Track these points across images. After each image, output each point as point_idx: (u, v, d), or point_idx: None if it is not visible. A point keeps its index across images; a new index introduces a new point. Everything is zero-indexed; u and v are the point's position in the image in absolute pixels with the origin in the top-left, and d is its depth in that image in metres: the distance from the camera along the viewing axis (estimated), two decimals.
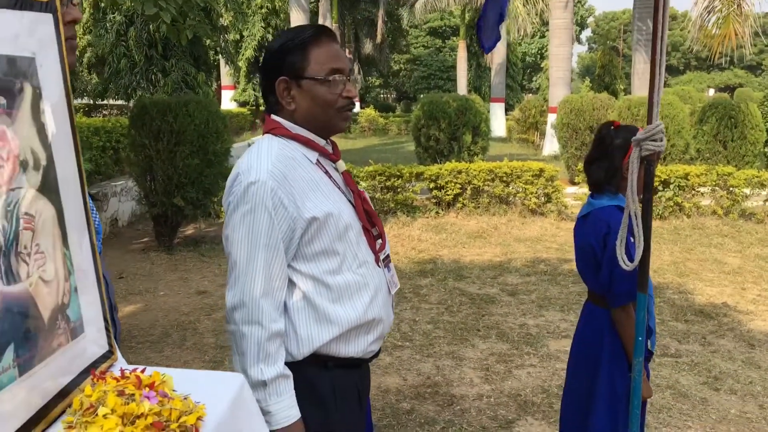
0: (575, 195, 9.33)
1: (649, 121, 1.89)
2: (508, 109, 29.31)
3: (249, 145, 3.11)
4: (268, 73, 1.86)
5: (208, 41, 13.47)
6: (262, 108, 21.61)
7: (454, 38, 46.65)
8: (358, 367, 1.97)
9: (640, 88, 11.79)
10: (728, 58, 12.23)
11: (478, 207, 8.94)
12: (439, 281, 6.28)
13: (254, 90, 24.47)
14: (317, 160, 1.87)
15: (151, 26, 10.80)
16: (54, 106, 1.00)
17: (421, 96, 13.77)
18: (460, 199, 8.90)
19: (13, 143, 0.88)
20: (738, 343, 4.85)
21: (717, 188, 9.00)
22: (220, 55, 17.91)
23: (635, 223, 1.88)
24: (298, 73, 1.81)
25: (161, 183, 7.23)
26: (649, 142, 1.85)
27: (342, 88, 1.83)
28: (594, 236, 2.33)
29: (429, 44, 49.01)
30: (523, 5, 13.09)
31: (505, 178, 8.83)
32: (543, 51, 49.48)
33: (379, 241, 1.96)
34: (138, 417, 0.90)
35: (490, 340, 4.85)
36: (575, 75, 23.17)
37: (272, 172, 1.74)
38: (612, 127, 2.46)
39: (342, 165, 1.96)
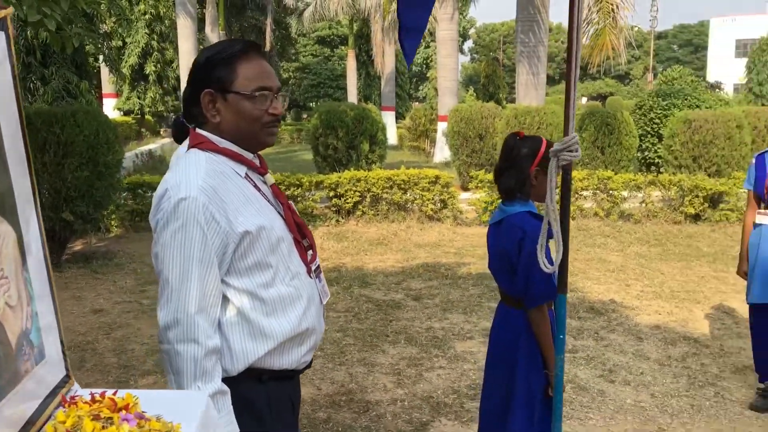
0: (469, 201, 9.64)
1: (566, 133, 2.02)
2: (398, 117, 29.82)
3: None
4: (194, 85, 1.84)
5: (89, 48, 12.90)
6: (148, 117, 20.72)
7: (343, 47, 46.96)
8: (291, 378, 1.98)
9: (524, 98, 12.35)
10: (600, 69, 13.01)
11: (378, 214, 9.07)
12: (344, 289, 6.32)
13: (139, 98, 23.59)
14: (246, 174, 1.87)
15: (28, 32, 10.21)
16: (8, 124, 0.97)
17: (314, 105, 13.77)
18: (360, 206, 8.99)
19: None
20: (627, 336, 5.19)
21: (598, 191, 9.56)
22: (101, 63, 17.17)
23: (554, 228, 2.01)
24: (225, 87, 1.80)
25: (48, 197, 6.85)
26: (566, 152, 1.99)
27: (269, 105, 1.84)
28: (509, 242, 2.45)
29: (318, 53, 49.06)
30: None
31: (402, 186, 9.02)
32: (428, 61, 50.73)
33: (310, 252, 1.98)
34: None
35: (400, 345, 4.95)
36: (459, 84, 23.88)
37: (203, 187, 1.72)
38: (518, 138, 2.60)
39: (270, 178, 1.96)
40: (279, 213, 1.91)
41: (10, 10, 1.00)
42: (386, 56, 25.77)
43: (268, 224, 1.82)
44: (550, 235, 2.07)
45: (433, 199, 9.15)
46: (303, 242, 1.94)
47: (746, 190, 4.21)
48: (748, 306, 4.15)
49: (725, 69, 49.06)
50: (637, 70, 63.09)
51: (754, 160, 4.09)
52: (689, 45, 71.13)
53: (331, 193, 8.94)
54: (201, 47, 25.61)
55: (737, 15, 52.73)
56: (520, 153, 2.52)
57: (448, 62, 17.42)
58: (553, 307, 2.40)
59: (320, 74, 42.36)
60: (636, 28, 68.10)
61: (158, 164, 15.41)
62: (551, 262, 2.05)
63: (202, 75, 1.82)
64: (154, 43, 23.12)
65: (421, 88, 49.12)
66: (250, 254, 1.78)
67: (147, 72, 23.16)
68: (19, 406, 0.89)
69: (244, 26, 32.76)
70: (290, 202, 2.02)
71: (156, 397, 1.08)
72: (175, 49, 21.68)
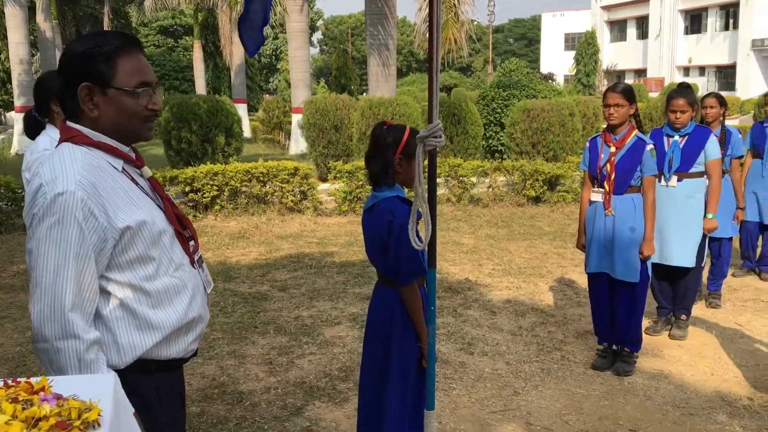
0: (328, 191, 9.78)
1: (430, 121, 2.19)
2: (251, 109, 29.38)
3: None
4: (69, 78, 1.82)
5: None
6: None
7: (188, 38, 45.42)
8: (178, 368, 2.02)
9: (376, 89, 12.66)
10: (444, 61, 13.59)
11: (237, 208, 8.99)
12: None
13: None
14: (123, 167, 1.87)
15: None
16: None
17: (163, 97, 13.32)
18: (218, 201, 8.86)
19: None
20: (483, 312, 5.56)
21: (449, 178, 10.05)
22: None
23: (422, 209, 2.17)
24: (106, 82, 1.80)
25: None
26: (431, 138, 2.16)
27: (148, 100, 1.86)
28: (380, 225, 2.60)
29: (161, 43, 47.13)
30: None
31: (261, 178, 8.98)
32: (278, 52, 50.27)
33: (192, 243, 2.02)
34: (40, 419, 0.92)
35: (269, 335, 5.00)
36: (311, 76, 23.98)
37: (80, 182, 1.71)
38: (384, 127, 2.75)
39: (147, 171, 1.98)
40: (158, 206, 1.93)
41: None
42: (235, 47, 25.28)
43: (149, 218, 1.84)
44: (419, 216, 2.24)
45: (292, 190, 9.20)
46: (184, 233, 1.98)
47: (582, 171, 4.65)
48: (586, 276, 4.61)
49: (556, 61, 52.73)
50: (477, 63, 66.18)
51: (588, 144, 4.53)
52: (524, 38, 75.69)
53: (187, 188, 8.73)
54: (33, 38, 23.78)
55: (565, 10, 56.71)
56: (386, 141, 2.67)
57: (299, 54, 17.43)
58: (425, 284, 2.58)
59: (164, 66, 40.69)
60: (476, 23, 71.46)
61: None
62: (421, 241, 2.22)
63: (79, 68, 1.79)
64: None
65: (271, 79, 48.65)
66: (132, 248, 1.80)
67: None
68: None
69: (78, 15, 30.85)
70: (169, 195, 2.04)
71: (66, 382, 1.10)
72: (3, 40, 20.02)
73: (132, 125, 1.86)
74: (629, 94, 4.27)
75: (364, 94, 20.70)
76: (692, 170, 4.80)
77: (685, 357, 4.67)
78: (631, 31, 49.72)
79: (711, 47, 42.90)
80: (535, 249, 7.74)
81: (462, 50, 11.88)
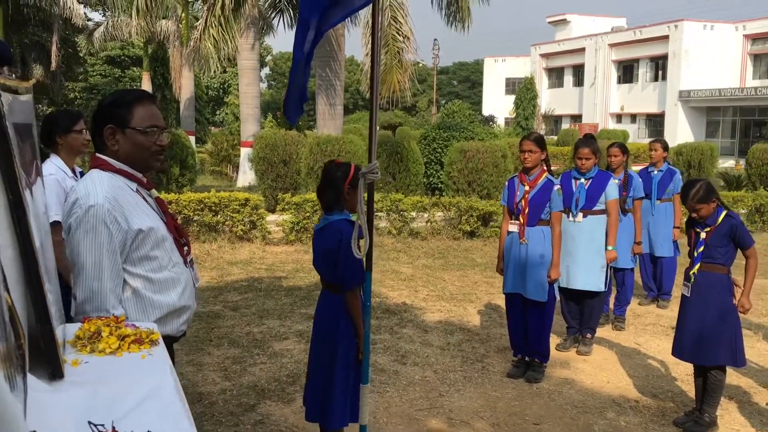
0: (276, 222, 10.34)
1: (370, 160, 2.88)
2: (198, 141, 29.70)
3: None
4: (97, 121, 2.43)
5: None
6: None
7: (135, 68, 45.47)
8: (171, 345, 2.61)
9: (323, 127, 13.36)
10: (390, 101, 14.43)
11: (190, 235, 9.46)
12: None
13: None
14: (137, 188, 2.48)
15: None
16: None
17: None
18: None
19: None
20: (416, 330, 6.22)
21: (391, 212, 10.75)
22: None
23: (364, 227, 2.84)
24: (124, 124, 2.42)
25: None
26: (370, 174, 2.84)
27: (156, 138, 2.48)
28: (331, 241, 3.24)
29: (107, 73, 47.00)
30: (213, 46, 13.88)
31: (213, 208, 9.51)
32: (226, 85, 50.74)
33: (186, 248, 2.63)
34: (126, 336, 1.53)
35: (223, 347, 5.54)
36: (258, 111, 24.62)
37: (107, 197, 2.32)
38: (334, 164, 3.42)
39: (154, 192, 2.60)
40: (162, 219, 2.54)
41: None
42: (185, 80, 25.73)
43: (155, 226, 2.45)
44: (360, 233, 2.90)
45: (243, 220, 9.74)
46: (181, 240, 2.59)
47: (502, 206, 5.41)
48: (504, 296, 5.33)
49: (497, 104, 54.76)
50: (422, 103, 67.94)
51: (507, 183, 5.29)
52: (467, 81, 78.13)
53: None
54: None
55: (507, 56, 59.07)
56: (336, 175, 3.34)
57: (249, 90, 18.06)
58: (362, 292, 3.23)
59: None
60: (421, 64, 73.42)
61: None
62: (360, 251, 2.88)
63: (105, 114, 2.41)
64: None
65: (218, 112, 48.98)
66: (142, 247, 2.40)
67: None
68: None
69: (24, 43, 30.78)
70: (171, 212, 2.66)
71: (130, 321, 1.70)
72: None
73: (143, 157, 2.48)
74: (540, 142, 5.06)
75: (313, 130, 21.38)
76: (595, 208, 5.61)
77: (587, 369, 5.41)
78: (568, 78, 52.16)
79: (642, 96, 45.41)
80: (467, 278, 8.46)
81: (406, 92, 12.70)
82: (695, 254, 4.25)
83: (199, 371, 5.00)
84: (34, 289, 1.29)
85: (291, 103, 3.00)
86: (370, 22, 11.96)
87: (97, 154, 2.46)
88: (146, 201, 2.50)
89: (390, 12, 11.92)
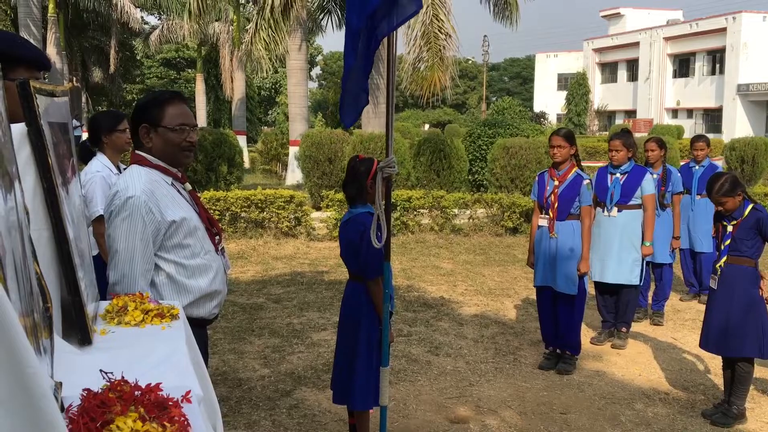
0: (320, 219, 10.60)
1: (387, 154, 3.03)
2: (249, 141, 30.36)
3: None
4: (134, 120, 2.66)
5: None
6: None
7: (190, 70, 46.69)
8: (204, 326, 2.82)
9: (367, 125, 13.58)
10: (438, 98, 14.51)
11: (236, 231, 9.80)
12: None
13: None
14: (172, 182, 2.70)
15: None
16: None
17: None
18: (220, 224, 9.66)
19: None
20: (452, 323, 6.35)
21: (433, 209, 10.88)
22: None
23: (382, 219, 3.00)
24: (157, 123, 2.63)
25: None
26: (387, 168, 3.00)
27: (186, 136, 2.70)
28: (355, 233, 3.42)
29: (163, 75, 48.37)
30: (264, 48, 14.25)
31: (260, 205, 9.81)
32: (277, 86, 51.57)
33: (217, 237, 2.84)
34: (149, 311, 1.73)
35: (264, 337, 5.78)
36: (308, 110, 25.10)
37: (144, 189, 2.54)
38: (357, 159, 3.59)
39: (188, 186, 2.81)
40: (195, 210, 2.75)
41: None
42: (236, 81, 26.34)
43: (188, 216, 2.66)
44: (379, 226, 3.06)
45: (288, 217, 10.02)
46: (212, 230, 2.80)
47: (533, 201, 5.49)
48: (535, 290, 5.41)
49: (549, 100, 54.16)
50: (472, 100, 67.67)
51: (537, 178, 5.37)
52: (518, 77, 77.37)
53: None
54: None
55: (559, 52, 58.35)
56: (359, 170, 3.51)
57: (297, 90, 18.40)
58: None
59: None
60: (470, 61, 73.18)
61: None
62: (380, 241, 3.05)
63: (141, 114, 2.63)
64: None
65: (270, 112, 49.84)
66: (176, 236, 2.61)
67: None
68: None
69: (85, 47, 31.99)
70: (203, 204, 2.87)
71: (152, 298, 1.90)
72: None
73: (174, 153, 2.69)
74: (570, 138, 5.13)
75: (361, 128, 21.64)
76: (631, 203, 5.63)
77: (620, 362, 5.46)
78: (622, 73, 51.21)
79: (698, 91, 44.28)
80: (507, 273, 8.53)
81: (446, 91, 12.80)
82: (722, 247, 4.27)
83: (240, 359, 5.24)
84: (66, 267, 1.50)
85: (345, 108, 3.15)
86: (411, 21, 12.06)
87: (136, 151, 2.68)
88: (180, 194, 2.71)
89: (432, 10, 12.03)
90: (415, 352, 5.50)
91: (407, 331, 6.04)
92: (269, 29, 14.30)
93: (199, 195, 9.76)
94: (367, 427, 3.64)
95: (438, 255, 9.52)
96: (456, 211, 10.95)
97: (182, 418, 1.12)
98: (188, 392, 1.23)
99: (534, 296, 7.30)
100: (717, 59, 43.10)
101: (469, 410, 4.44)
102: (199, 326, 2.74)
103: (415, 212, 10.73)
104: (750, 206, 4.18)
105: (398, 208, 10.49)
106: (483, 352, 5.55)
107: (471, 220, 11.05)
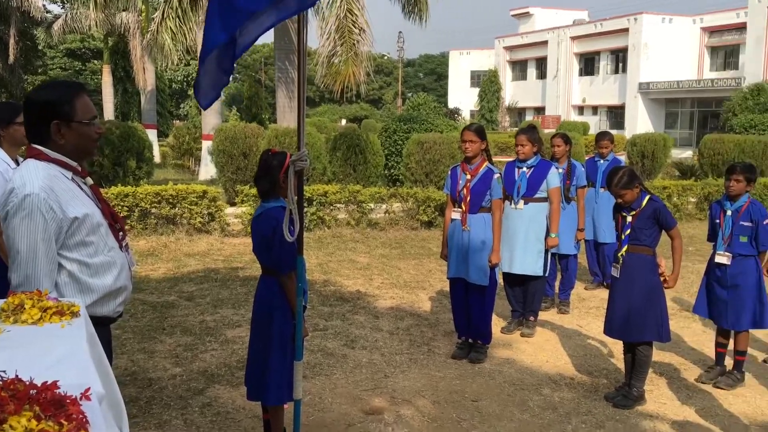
0: (235, 214, 10.42)
1: (299, 148, 3.02)
2: (160, 135, 29.48)
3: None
4: (38, 117, 2.52)
5: None
6: None
7: (96, 61, 44.87)
8: (108, 325, 2.74)
9: (282, 119, 13.44)
10: (354, 93, 14.50)
11: (147, 228, 9.51)
12: None
13: None
14: (72, 177, 2.60)
15: None
16: None
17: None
18: (128, 221, 9.35)
19: None
20: (367, 316, 6.39)
21: (349, 204, 10.90)
22: None
23: (295, 213, 2.99)
24: (70, 118, 2.52)
25: None
26: (299, 162, 2.99)
27: (96, 127, 2.61)
28: (267, 227, 3.39)
29: (67, 66, 46.27)
30: (171, 38, 13.87)
31: (171, 200, 9.55)
32: (189, 78, 50.27)
33: (121, 233, 2.76)
34: (47, 308, 1.67)
35: (176, 336, 5.64)
36: (222, 104, 24.64)
37: (42, 186, 2.44)
38: (270, 153, 3.56)
39: (89, 180, 2.71)
40: (97, 206, 2.66)
41: None
42: (147, 73, 25.49)
43: (90, 212, 2.57)
44: (292, 220, 3.05)
45: (201, 212, 9.80)
46: (116, 226, 2.72)
47: (445, 194, 5.59)
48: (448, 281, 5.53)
49: (463, 96, 55.18)
50: (388, 95, 68.15)
51: (449, 172, 5.48)
52: (433, 74, 78.45)
53: None
54: None
55: (471, 49, 59.51)
56: (272, 164, 3.48)
57: None
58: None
59: None
60: (386, 57, 73.59)
61: None
62: (292, 235, 3.03)
63: (48, 110, 2.50)
64: None
65: (182, 105, 48.54)
66: (78, 233, 2.52)
67: None
68: None
69: None
70: (105, 199, 2.78)
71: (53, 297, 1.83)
72: None
73: (87, 146, 2.61)
74: (481, 133, 5.26)
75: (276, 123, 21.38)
76: (537, 195, 5.83)
77: (528, 349, 5.65)
78: (531, 71, 52.79)
79: (602, 89, 46.19)
80: (422, 266, 8.66)
81: (361, 86, 12.83)
82: (622, 237, 4.49)
83: (151, 358, 5.11)
84: None
85: (203, 88, 3.04)
86: (325, 15, 12.04)
87: (33, 145, 2.56)
88: (81, 189, 2.61)
89: (346, 4, 12.04)
90: (331, 346, 5.51)
91: (323, 325, 6.05)
92: (177, 18, 13.92)
93: (104, 190, 9.40)
94: (281, 422, 3.63)
95: (354, 249, 9.56)
96: (372, 205, 11.01)
97: (80, 416, 1.09)
98: (87, 390, 1.20)
99: (448, 288, 7.48)
100: (620, 58, 45.08)
101: (384, 401, 4.49)
102: (102, 325, 2.65)
103: (331, 207, 10.72)
104: (647, 197, 4.41)
105: (314, 202, 10.46)
106: (398, 344, 5.62)
107: (387, 215, 11.13)
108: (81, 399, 1.17)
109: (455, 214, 5.33)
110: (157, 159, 24.02)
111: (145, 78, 25.51)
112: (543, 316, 6.37)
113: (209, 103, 3.15)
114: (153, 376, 4.75)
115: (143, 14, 24.57)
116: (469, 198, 5.20)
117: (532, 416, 4.35)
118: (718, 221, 4.88)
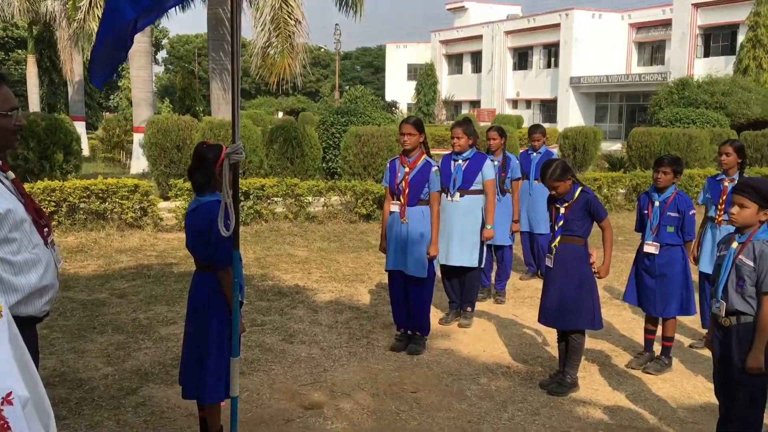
0: (169, 209, 10.17)
1: (233, 141, 2.96)
2: (89, 128, 28.53)
3: None
4: None
5: None
6: None
7: (20, 51, 43.05)
8: (34, 325, 2.62)
9: (217, 112, 13.19)
10: (292, 85, 14.34)
11: (75, 224, 9.18)
12: None
13: None
14: None
15: None
16: None
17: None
18: (56, 217, 9.02)
19: None
20: (306, 310, 6.35)
21: (287, 197, 10.79)
22: None
23: (230, 206, 2.93)
24: None
25: None
26: (234, 154, 2.93)
27: (15, 119, 2.49)
28: (203, 222, 3.31)
29: None
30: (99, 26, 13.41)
31: (101, 195, 9.25)
32: (120, 70, 48.79)
33: (46, 229, 2.64)
34: None
35: (107, 334, 5.47)
36: (155, 95, 23.98)
37: None
38: (205, 145, 3.48)
39: (11, 174, 2.60)
40: (20, 201, 2.55)
41: None
42: (75, 63, 24.61)
43: (13, 208, 2.45)
44: (227, 214, 2.99)
45: (132, 207, 9.53)
46: (41, 222, 2.60)
47: (384, 187, 5.60)
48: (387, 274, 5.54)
49: (400, 90, 55.41)
50: (325, 88, 67.74)
51: (388, 164, 5.48)
52: (370, 66, 78.38)
53: None
54: None
55: (408, 42, 59.74)
56: (207, 157, 3.40)
57: (141, 74, 17.50)
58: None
59: None
60: (323, 49, 73.17)
61: None
62: (228, 229, 2.98)
63: None
64: None
65: (112, 97, 47.08)
66: (0, 230, 2.40)
67: None
68: None
69: None
70: (28, 193, 2.66)
71: None
72: None
73: (7, 138, 2.49)
74: (419, 126, 5.28)
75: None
76: (472, 188, 5.89)
77: (466, 339, 5.72)
78: (467, 65, 53.41)
79: (536, 83, 47.14)
80: (361, 259, 8.66)
81: (297, 78, 12.71)
82: (556, 228, 4.58)
83: (81, 358, 4.94)
84: None
85: (97, 66, 2.93)
86: (260, 5, 11.86)
87: None
88: (3, 183, 2.50)
89: None
90: (269, 341, 5.45)
91: (261, 320, 5.97)
92: None
93: (30, 185, 9.03)
94: (218, 419, 3.57)
95: (292, 243, 9.48)
96: (310, 198, 10.93)
97: (2, 421, 1.03)
98: (9, 394, 1.14)
99: (386, 280, 7.50)
100: (552, 53, 46.07)
101: (323, 395, 4.47)
102: (28, 325, 2.55)
103: (268, 200, 10.59)
104: (579, 189, 4.52)
105: (251, 196, 10.31)
106: (337, 338, 5.60)
107: (325, 208, 11.08)
108: (3, 403, 1.11)
109: (394, 207, 5.34)
110: (86, 152, 23.22)
111: (73, 68, 24.63)
112: (480, 306, 6.46)
113: (104, 80, 3.07)
114: (84, 377, 4.60)
115: (70, 2, 23.68)
116: (407, 191, 5.22)
117: (469, 405, 4.40)
118: (646, 212, 5.04)
